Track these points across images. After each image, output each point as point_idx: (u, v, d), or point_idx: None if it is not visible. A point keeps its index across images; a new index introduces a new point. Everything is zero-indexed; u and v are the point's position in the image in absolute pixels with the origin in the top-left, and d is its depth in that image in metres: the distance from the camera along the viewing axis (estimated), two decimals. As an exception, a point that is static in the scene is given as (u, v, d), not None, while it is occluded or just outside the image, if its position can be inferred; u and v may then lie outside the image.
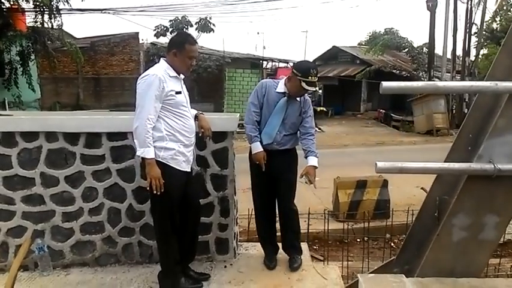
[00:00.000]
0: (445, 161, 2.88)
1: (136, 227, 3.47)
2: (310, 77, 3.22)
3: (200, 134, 3.09)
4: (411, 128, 17.99)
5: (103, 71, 20.31)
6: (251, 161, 3.41)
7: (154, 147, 2.80)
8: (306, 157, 3.42)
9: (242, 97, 21.28)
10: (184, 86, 3.04)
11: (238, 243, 3.81)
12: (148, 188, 2.81)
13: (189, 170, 3.02)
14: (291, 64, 25.46)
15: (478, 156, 2.61)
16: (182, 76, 3.01)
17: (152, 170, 2.77)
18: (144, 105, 2.76)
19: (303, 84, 3.22)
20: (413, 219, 4.61)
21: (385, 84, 2.61)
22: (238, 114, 3.66)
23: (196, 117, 3.10)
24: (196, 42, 3.06)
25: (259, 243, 3.71)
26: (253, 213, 3.66)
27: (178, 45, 2.93)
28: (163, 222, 2.96)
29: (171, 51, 2.92)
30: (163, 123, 2.84)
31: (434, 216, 2.96)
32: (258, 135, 3.31)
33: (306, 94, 3.46)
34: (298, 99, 3.37)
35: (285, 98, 3.33)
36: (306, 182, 3.36)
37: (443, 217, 2.81)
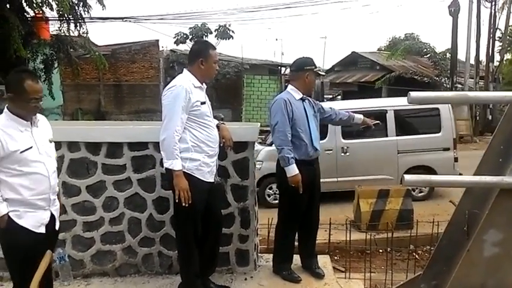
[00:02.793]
0: (475, 174, 2.77)
1: (157, 237, 3.45)
2: None
3: (221, 144, 3.06)
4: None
5: (124, 78, 20.56)
6: (287, 182, 3.25)
7: (180, 158, 2.78)
8: (353, 119, 3.60)
9: (260, 103, 21.24)
10: (206, 96, 3.02)
11: (259, 254, 3.75)
12: (177, 200, 2.78)
13: (212, 180, 2.99)
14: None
15: (511, 169, 2.50)
16: (205, 86, 3.00)
17: (181, 182, 2.75)
18: (172, 117, 2.75)
19: (319, 72, 3.46)
20: (438, 230, 4.47)
21: (413, 94, 2.52)
22: (259, 124, 3.62)
23: (217, 127, 3.08)
24: (215, 48, 3.08)
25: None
26: (272, 222, 3.62)
27: (204, 52, 2.94)
28: (187, 234, 2.93)
29: (197, 61, 2.92)
30: (188, 134, 2.83)
31: (463, 231, 2.83)
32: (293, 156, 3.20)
33: None
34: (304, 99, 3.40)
35: (305, 102, 3.37)
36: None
37: (474, 232, 2.69)
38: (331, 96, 26.85)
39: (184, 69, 3.00)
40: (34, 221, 2.41)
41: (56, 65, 14.89)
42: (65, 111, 17.96)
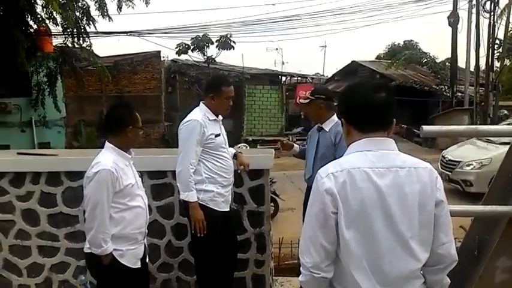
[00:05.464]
0: (484, 200, 2.87)
1: (175, 263, 3.54)
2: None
3: (239, 171, 3.19)
4: (434, 144, 17.70)
5: (126, 89, 20.64)
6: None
7: (195, 189, 2.90)
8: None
9: (262, 113, 21.37)
10: (222, 127, 3.13)
11: (274, 278, 3.84)
12: (192, 231, 2.89)
13: (227, 209, 3.09)
14: (310, 79, 25.47)
15: (520, 198, 2.60)
16: (221, 118, 3.11)
17: (197, 213, 2.87)
18: (187, 151, 2.88)
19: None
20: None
21: (426, 128, 2.67)
22: (273, 150, 3.73)
23: (235, 156, 3.20)
24: (232, 85, 3.15)
25: (293, 278, 3.74)
26: (283, 241, 3.68)
27: (215, 89, 3.05)
28: (205, 261, 3.02)
29: (209, 96, 3.04)
30: (203, 167, 2.95)
31: (474, 256, 2.94)
32: None
33: (338, 125, 3.51)
34: (327, 129, 3.40)
35: (317, 131, 3.44)
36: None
37: (484, 257, 2.80)
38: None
39: (201, 101, 3.12)
40: (133, 257, 2.48)
41: (59, 78, 14.98)
42: (67, 123, 18.02)
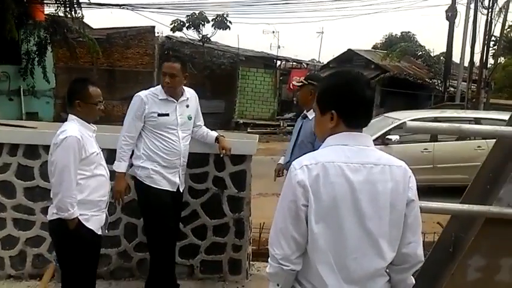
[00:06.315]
0: (463, 198, 2.88)
1: (152, 243, 3.51)
2: None
3: (222, 155, 3.20)
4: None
5: (118, 64, 20.28)
6: None
7: (133, 165, 3.01)
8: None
9: (254, 96, 21.24)
10: (183, 109, 3.06)
11: (251, 263, 3.85)
12: (111, 200, 2.99)
13: (171, 189, 3.07)
14: (305, 65, 25.32)
15: (497, 199, 2.61)
16: (183, 99, 3.05)
17: (119, 183, 3.00)
18: (125, 123, 2.98)
19: None
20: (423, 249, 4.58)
21: (410, 123, 2.64)
22: (258, 136, 3.69)
23: (217, 139, 3.18)
24: (171, 60, 3.06)
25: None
26: (264, 226, 3.66)
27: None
28: (154, 239, 3.10)
29: None
30: (142, 143, 3.01)
31: (449, 252, 2.96)
32: None
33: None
34: (310, 118, 3.35)
35: (302, 118, 3.42)
36: None
37: (458, 255, 2.81)
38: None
39: None
40: (97, 223, 2.60)
41: (49, 48, 14.70)
42: (57, 95, 17.75)
